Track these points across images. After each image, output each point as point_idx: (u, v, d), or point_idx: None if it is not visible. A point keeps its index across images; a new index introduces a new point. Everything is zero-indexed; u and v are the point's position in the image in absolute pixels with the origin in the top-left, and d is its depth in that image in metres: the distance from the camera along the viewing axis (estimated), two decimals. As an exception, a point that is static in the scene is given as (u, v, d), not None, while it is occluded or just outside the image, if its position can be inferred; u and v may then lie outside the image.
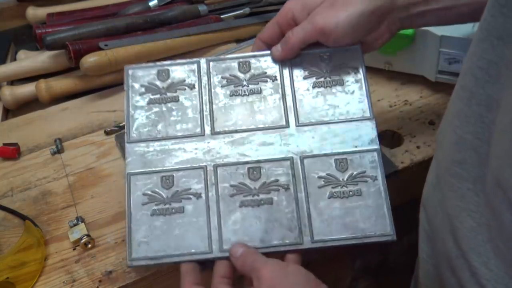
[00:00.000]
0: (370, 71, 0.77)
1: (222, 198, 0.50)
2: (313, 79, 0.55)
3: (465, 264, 0.42)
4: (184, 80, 0.55)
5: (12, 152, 0.68)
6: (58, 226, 0.59)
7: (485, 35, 0.38)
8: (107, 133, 0.71)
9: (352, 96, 0.54)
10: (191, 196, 0.51)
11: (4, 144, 0.69)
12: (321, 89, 0.55)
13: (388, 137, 0.69)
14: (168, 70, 0.55)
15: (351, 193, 0.51)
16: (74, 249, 0.57)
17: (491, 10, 0.37)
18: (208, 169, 0.52)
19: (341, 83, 0.55)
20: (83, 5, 0.93)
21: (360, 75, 0.55)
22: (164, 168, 0.52)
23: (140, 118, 0.54)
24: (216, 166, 0.52)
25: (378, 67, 0.76)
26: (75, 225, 0.58)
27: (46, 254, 0.56)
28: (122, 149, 0.63)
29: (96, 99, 0.78)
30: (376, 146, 0.52)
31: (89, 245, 0.56)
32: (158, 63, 0.56)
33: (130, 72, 0.55)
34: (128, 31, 0.81)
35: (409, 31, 0.69)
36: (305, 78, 0.55)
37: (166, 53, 0.81)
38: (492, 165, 0.37)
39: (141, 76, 0.55)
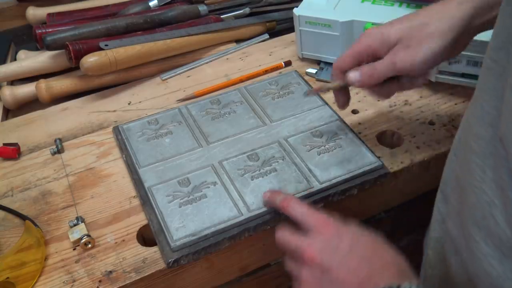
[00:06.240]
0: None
1: (234, 178, 0.60)
2: (271, 95, 0.72)
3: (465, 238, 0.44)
4: (171, 121, 0.69)
5: (12, 152, 0.68)
6: (58, 226, 0.59)
7: None
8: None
9: (303, 97, 0.71)
10: (209, 185, 0.60)
11: (4, 144, 0.69)
12: (280, 99, 0.72)
13: (388, 137, 0.69)
14: (156, 118, 0.69)
15: (333, 147, 0.63)
16: (74, 249, 0.57)
17: None
18: (215, 165, 0.62)
19: (292, 92, 0.73)
20: (83, 5, 0.93)
21: (301, 82, 0.74)
22: (178, 175, 0.61)
23: (144, 151, 0.65)
24: (221, 162, 0.62)
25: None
26: (75, 225, 0.58)
27: (46, 254, 0.56)
28: (119, 142, 0.68)
29: (96, 99, 0.78)
30: (336, 118, 0.68)
31: (89, 245, 0.56)
32: (144, 117, 0.70)
33: (124, 127, 0.68)
34: (128, 31, 0.81)
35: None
36: (263, 96, 0.72)
37: (166, 53, 0.81)
38: (501, 130, 0.37)
39: (133, 126, 0.69)
